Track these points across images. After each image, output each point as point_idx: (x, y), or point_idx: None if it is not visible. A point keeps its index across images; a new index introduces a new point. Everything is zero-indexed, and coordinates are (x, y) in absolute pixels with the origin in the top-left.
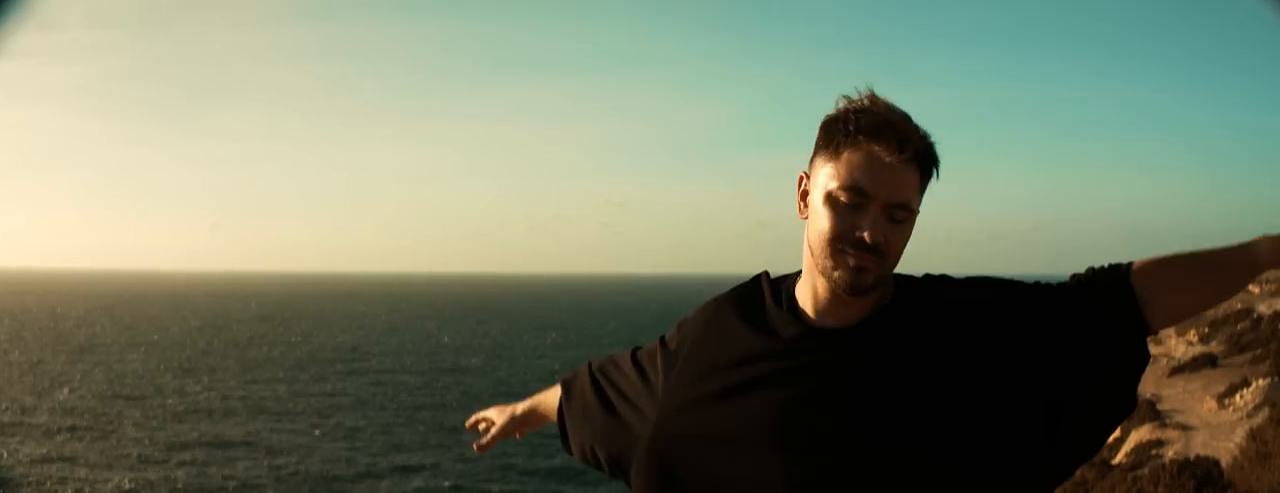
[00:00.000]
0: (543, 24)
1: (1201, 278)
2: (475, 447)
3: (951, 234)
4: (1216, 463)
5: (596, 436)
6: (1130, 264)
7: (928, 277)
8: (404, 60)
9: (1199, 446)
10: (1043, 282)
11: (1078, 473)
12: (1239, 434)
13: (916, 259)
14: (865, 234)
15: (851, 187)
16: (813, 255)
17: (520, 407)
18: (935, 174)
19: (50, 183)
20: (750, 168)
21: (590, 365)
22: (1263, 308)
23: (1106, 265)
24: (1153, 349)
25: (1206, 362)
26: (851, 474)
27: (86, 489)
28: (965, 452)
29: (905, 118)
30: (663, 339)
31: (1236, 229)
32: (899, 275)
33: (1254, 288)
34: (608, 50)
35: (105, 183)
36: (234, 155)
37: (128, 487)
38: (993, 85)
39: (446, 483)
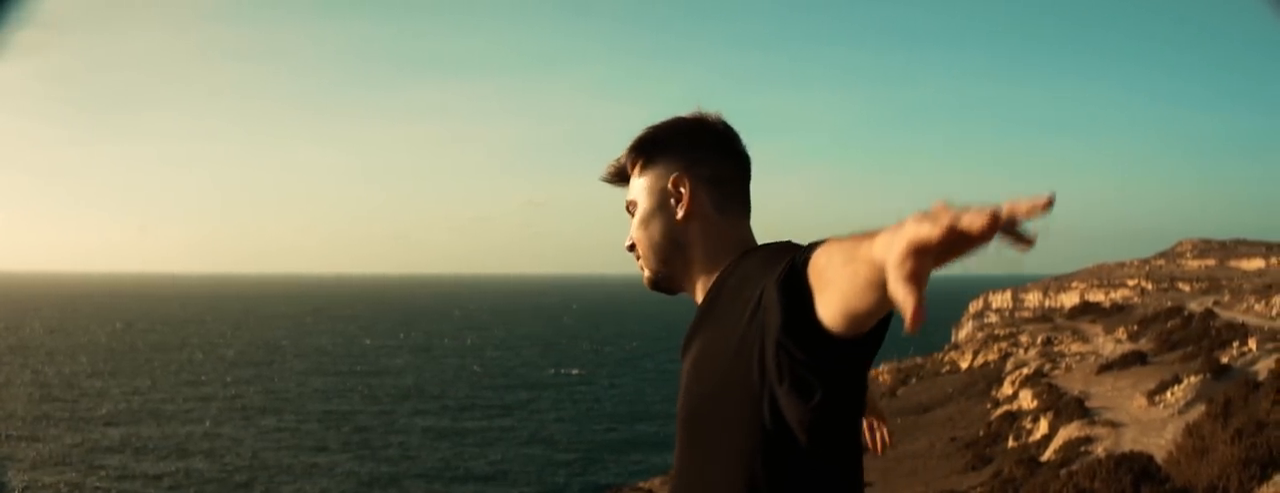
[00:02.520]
0: (458, 26)
1: (840, 276)
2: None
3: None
4: (1151, 458)
5: None
6: (814, 248)
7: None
8: (323, 62)
9: (1129, 442)
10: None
11: (1005, 470)
12: (1170, 431)
13: None
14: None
15: None
16: None
17: None
18: (645, 156)
19: None
20: None
21: None
22: (1193, 306)
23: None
24: (1079, 347)
25: (1136, 359)
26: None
27: (8, 487)
28: (704, 411)
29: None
30: None
31: (1225, 228)
32: (746, 251)
33: (1184, 286)
34: (522, 51)
35: (31, 183)
36: (158, 156)
37: (56, 489)
38: (920, 83)
39: (366, 482)
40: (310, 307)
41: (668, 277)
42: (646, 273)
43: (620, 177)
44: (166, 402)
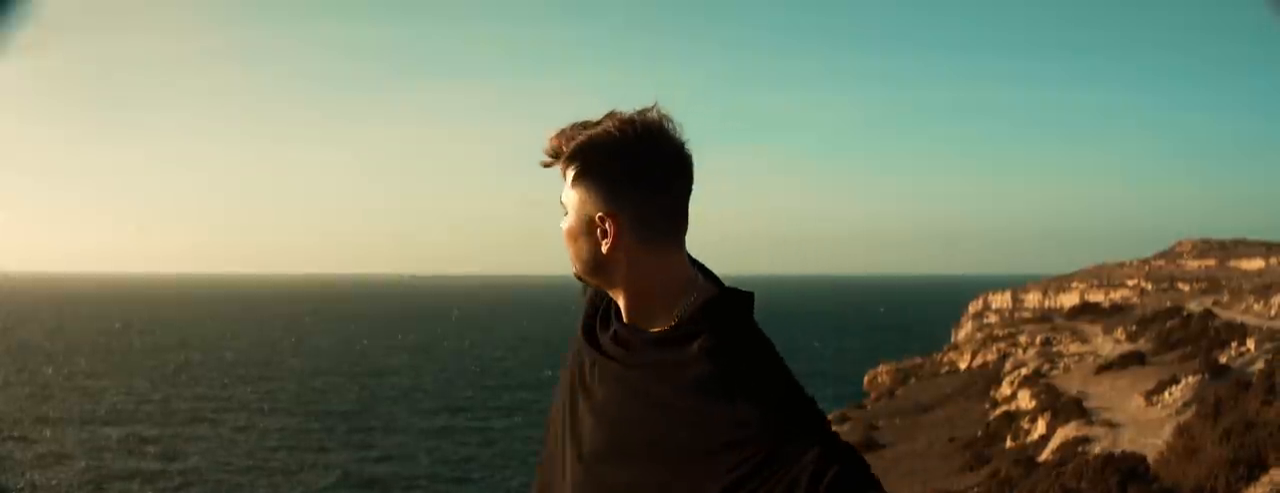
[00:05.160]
0: (458, 27)
1: None
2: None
3: (947, 234)
4: (1143, 459)
5: None
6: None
7: (737, 337)
8: (323, 63)
9: (1127, 442)
10: (777, 447)
11: (1002, 470)
12: (1168, 431)
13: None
14: None
15: None
16: None
17: None
18: (576, 170)
19: None
20: None
21: None
22: (1192, 306)
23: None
24: (1078, 348)
25: (1135, 359)
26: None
27: (8, 488)
28: None
29: (563, 131)
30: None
31: (1225, 228)
32: (717, 310)
33: (1184, 286)
34: (522, 53)
35: (31, 184)
36: (158, 157)
37: (56, 489)
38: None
39: (365, 482)
40: (310, 307)
41: (594, 283)
42: (573, 269)
43: (551, 160)
44: (165, 402)
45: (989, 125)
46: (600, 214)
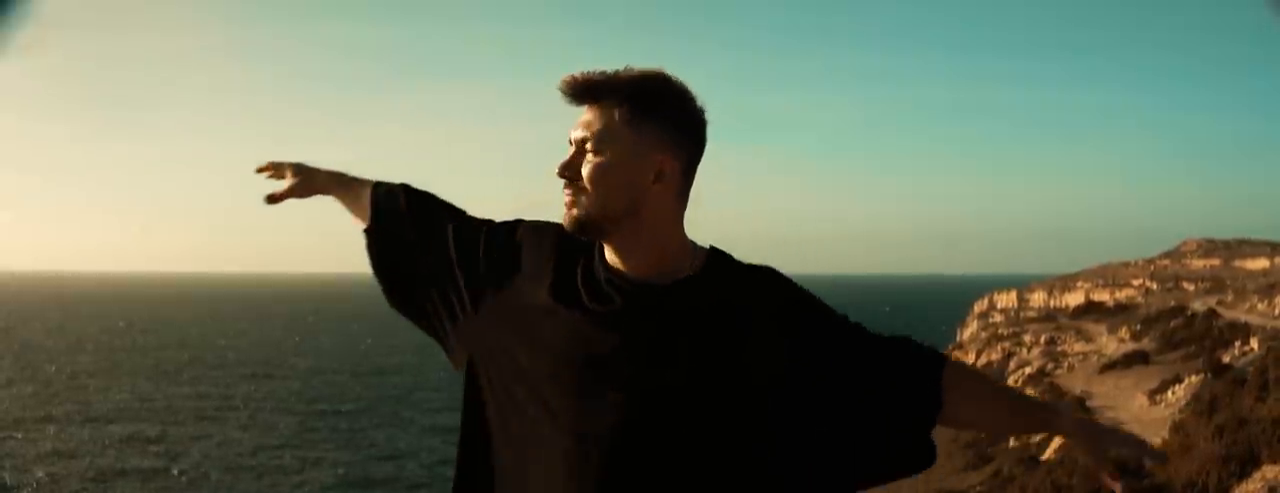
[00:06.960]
0: (459, 28)
1: (1000, 408)
2: (267, 199)
3: (946, 233)
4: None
5: (419, 276)
6: (945, 360)
7: (762, 268)
8: (325, 62)
9: None
10: (863, 333)
11: (1004, 469)
12: (1169, 430)
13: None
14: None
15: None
16: None
17: (325, 177)
18: (637, 113)
19: None
20: None
21: (410, 192)
22: (1196, 306)
23: (924, 349)
24: (1082, 347)
25: (1138, 358)
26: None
27: (11, 487)
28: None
29: (598, 72)
30: (514, 229)
31: (1230, 228)
32: (723, 255)
33: (1188, 286)
34: (523, 53)
35: (34, 182)
36: (160, 156)
37: (56, 488)
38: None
39: (367, 481)
40: (312, 306)
41: (600, 230)
42: (576, 212)
43: (585, 95)
44: (168, 401)
45: (989, 125)
46: (663, 158)
